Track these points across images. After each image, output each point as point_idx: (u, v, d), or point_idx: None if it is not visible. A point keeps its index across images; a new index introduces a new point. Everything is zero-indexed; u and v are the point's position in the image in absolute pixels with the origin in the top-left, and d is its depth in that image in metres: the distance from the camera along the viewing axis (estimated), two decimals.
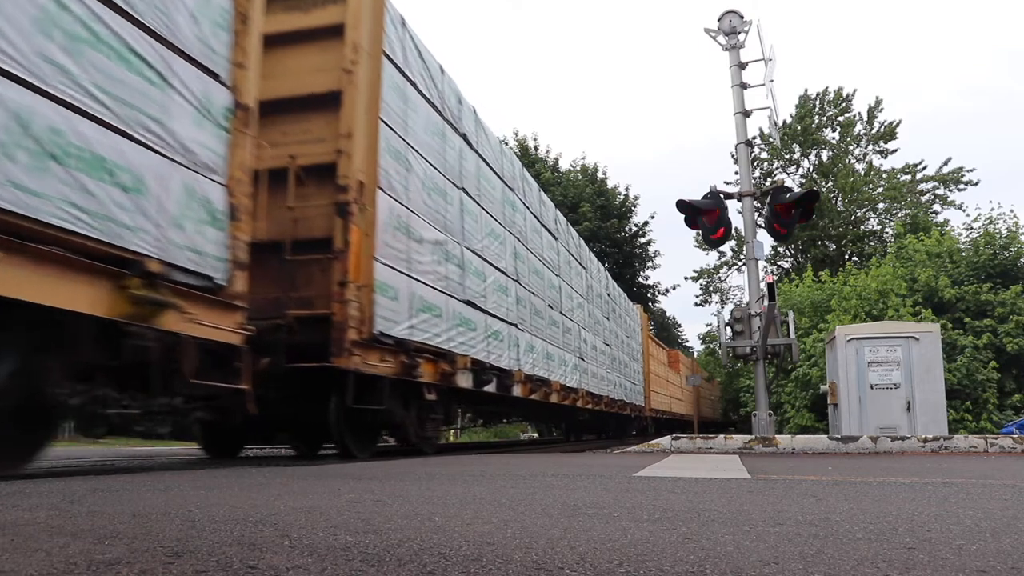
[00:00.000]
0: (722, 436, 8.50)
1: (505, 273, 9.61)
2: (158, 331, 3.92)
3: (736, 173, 16.66)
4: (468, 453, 9.69)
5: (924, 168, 28.01)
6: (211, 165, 4.44)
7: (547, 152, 34.36)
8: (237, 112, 4.71)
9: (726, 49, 10.82)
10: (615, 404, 16.78)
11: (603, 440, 17.42)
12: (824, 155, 30.01)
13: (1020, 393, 13.95)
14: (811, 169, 30.24)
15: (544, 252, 11.73)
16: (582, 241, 15.27)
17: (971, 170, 27.29)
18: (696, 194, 10.64)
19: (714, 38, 10.93)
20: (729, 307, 24.92)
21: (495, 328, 8.97)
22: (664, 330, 45.73)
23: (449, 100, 8.08)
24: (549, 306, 11.70)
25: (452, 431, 26.85)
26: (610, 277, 18.74)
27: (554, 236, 12.52)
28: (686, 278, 34.81)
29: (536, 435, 25.29)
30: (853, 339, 10.79)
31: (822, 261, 27.65)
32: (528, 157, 32.11)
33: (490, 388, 8.75)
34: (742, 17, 10.90)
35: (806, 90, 31.22)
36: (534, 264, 11.06)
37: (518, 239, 10.30)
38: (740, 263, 30.25)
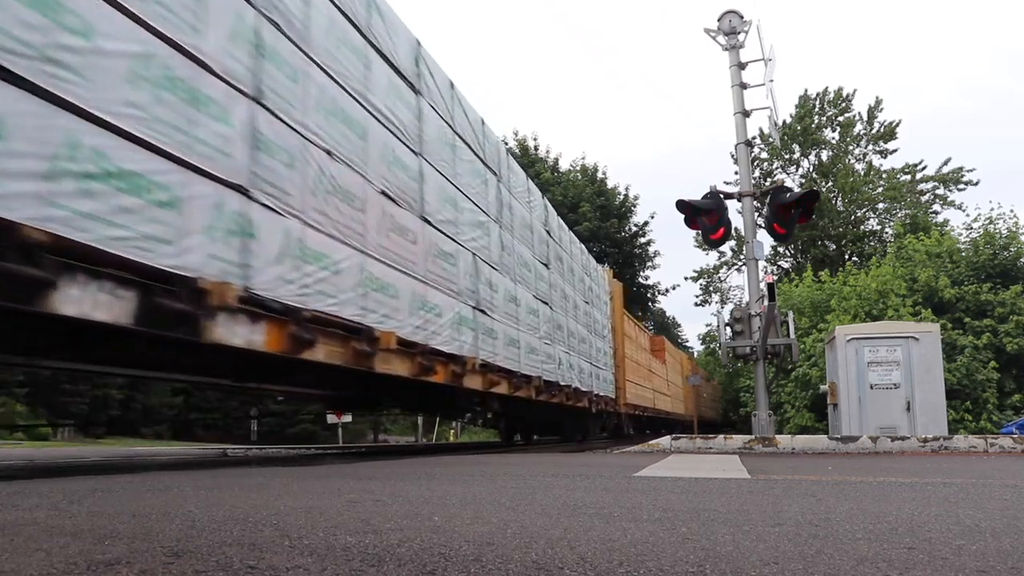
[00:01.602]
0: (722, 436, 8.50)
1: (207, 67, 4.27)
2: None
3: (736, 173, 16.67)
4: (468, 453, 9.68)
5: (924, 168, 28.04)
6: None
7: (547, 152, 34.38)
8: None
9: (726, 49, 10.84)
10: (559, 391, 11.66)
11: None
12: (824, 155, 30.04)
13: (1020, 393, 13.97)
14: (811, 169, 30.26)
15: (374, 98, 6.42)
16: (491, 132, 9.76)
17: (971, 170, 27.34)
18: (696, 194, 10.66)
19: (714, 38, 10.95)
20: (729, 307, 24.94)
21: (131, 167, 3.67)
22: (664, 330, 45.77)
23: None
24: (392, 200, 6.62)
25: (452, 431, 26.76)
26: (552, 210, 12.90)
27: (412, 87, 7.19)
28: (686, 278, 34.83)
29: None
30: (853, 339, 10.80)
31: (822, 261, 27.67)
32: (528, 157, 32.12)
33: (104, 316, 3.53)
34: (742, 17, 10.92)
35: (806, 90, 31.24)
36: (340, 104, 5.87)
37: (286, 35, 5.14)
38: (740, 263, 30.26)
